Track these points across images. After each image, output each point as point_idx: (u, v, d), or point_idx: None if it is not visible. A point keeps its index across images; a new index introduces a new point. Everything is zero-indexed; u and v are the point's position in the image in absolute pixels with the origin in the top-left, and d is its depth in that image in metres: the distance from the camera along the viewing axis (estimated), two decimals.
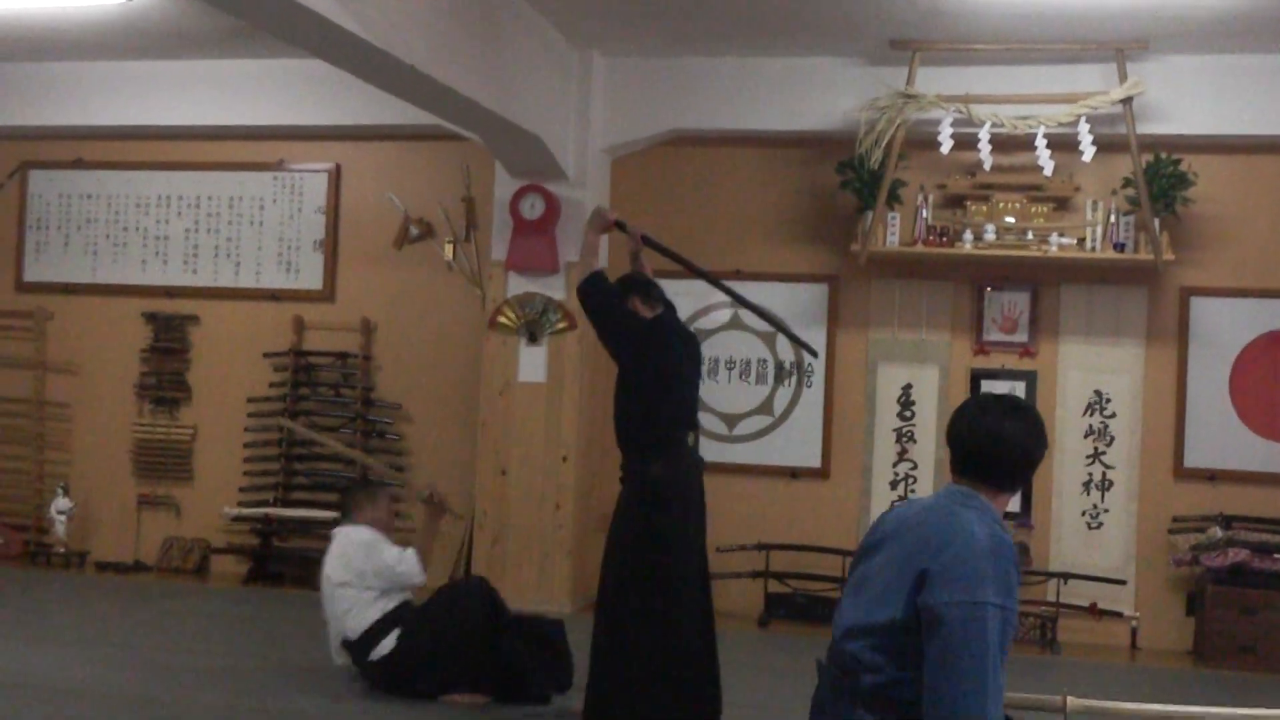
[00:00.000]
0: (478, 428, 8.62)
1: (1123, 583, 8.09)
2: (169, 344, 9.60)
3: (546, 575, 8.44)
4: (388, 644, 5.93)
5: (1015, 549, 3.09)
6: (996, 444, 3.19)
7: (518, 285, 8.56)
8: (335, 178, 9.39)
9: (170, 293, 9.61)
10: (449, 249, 8.99)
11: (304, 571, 8.68)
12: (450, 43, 6.71)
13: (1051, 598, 8.02)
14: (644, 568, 5.28)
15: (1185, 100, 7.88)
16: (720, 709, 5.43)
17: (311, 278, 9.40)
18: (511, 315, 8.54)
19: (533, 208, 8.39)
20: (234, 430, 9.37)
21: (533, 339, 8.51)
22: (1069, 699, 3.11)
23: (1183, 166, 7.82)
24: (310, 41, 6.03)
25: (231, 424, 9.39)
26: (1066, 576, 8.02)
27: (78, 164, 9.80)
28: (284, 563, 9.14)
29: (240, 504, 9.15)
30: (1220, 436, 8.17)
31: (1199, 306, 8.22)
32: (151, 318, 9.63)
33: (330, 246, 9.38)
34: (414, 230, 9.12)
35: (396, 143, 9.26)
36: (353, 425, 9.13)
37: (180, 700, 5.76)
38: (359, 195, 9.36)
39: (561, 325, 8.47)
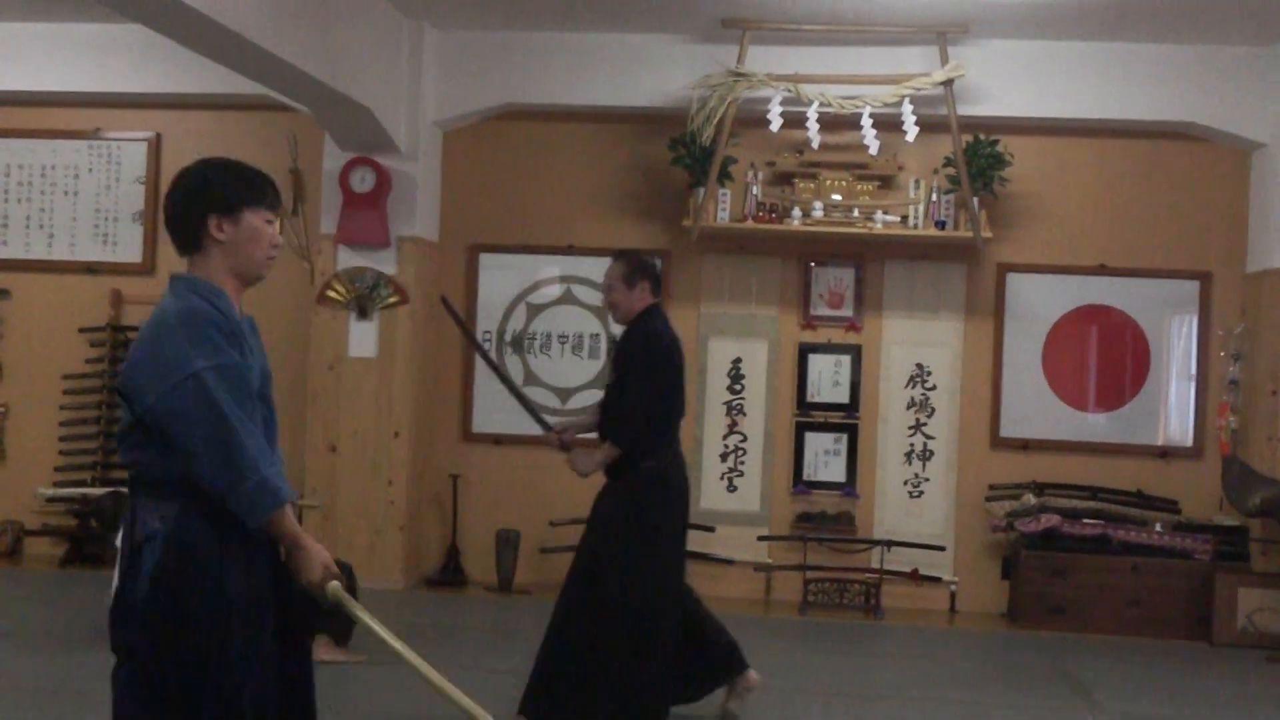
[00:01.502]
0: (306, 403, 8.48)
1: (942, 549, 8.38)
2: None
3: (378, 551, 8.35)
4: None
5: (216, 312, 3.03)
6: (167, 206, 3.23)
7: (348, 259, 8.44)
8: (155, 147, 9.09)
9: None
10: None
11: None
12: (278, 11, 6.54)
13: (875, 564, 8.27)
14: (652, 562, 5.22)
15: (1003, 83, 8.17)
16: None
17: (130, 250, 9.09)
18: (341, 289, 8.41)
19: (363, 180, 8.27)
20: (49, 408, 9.02)
21: (363, 313, 8.40)
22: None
23: (1000, 147, 8.10)
24: (128, 6, 5.81)
25: (46, 402, 9.03)
26: (889, 544, 8.26)
27: None
28: (103, 544, 8.84)
29: (56, 484, 8.83)
30: (1033, 407, 8.52)
31: (1015, 282, 8.54)
32: None
33: (150, 218, 9.07)
34: None
35: (220, 112, 9.00)
36: None
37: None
38: (181, 165, 8.98)
39: (393, 299, 8.38)
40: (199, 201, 3.13)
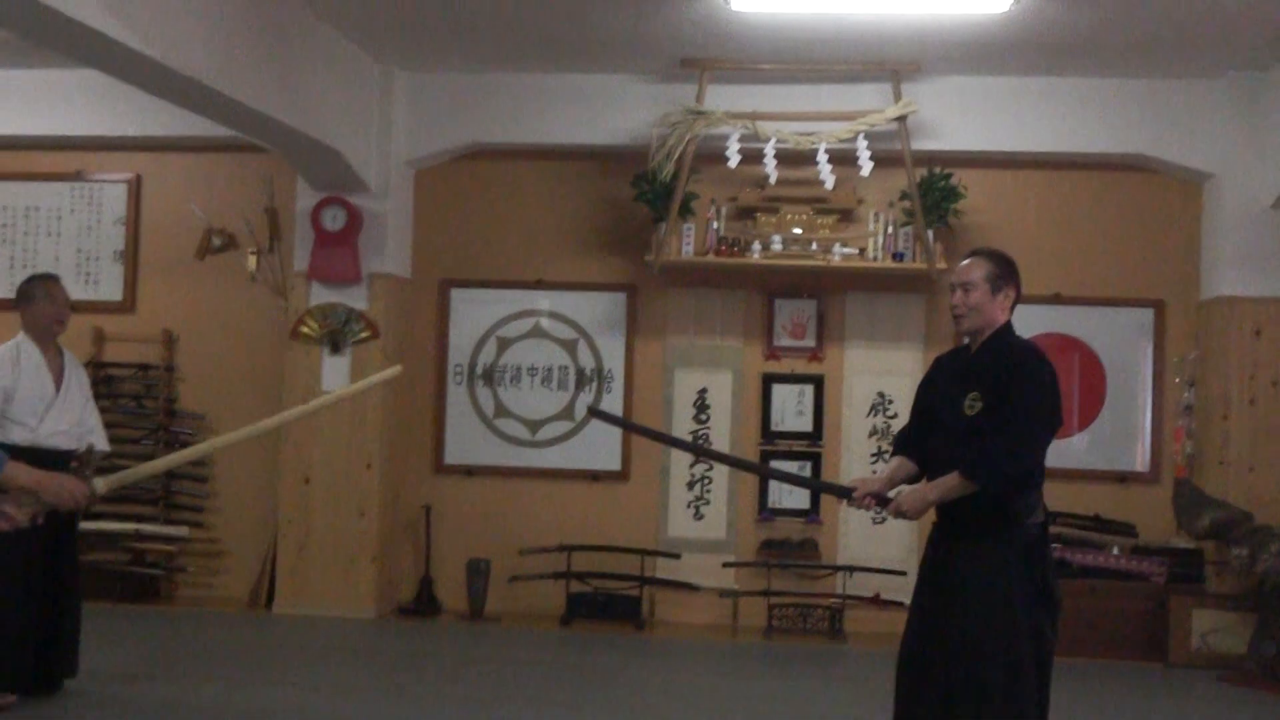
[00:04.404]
0: (281, 436, 8.67)
1: (904, 574, 8.49)
2: None
3: (351, 582, 8.54)
4: None
5: None
6: None
7: (320, 295, 8.65)
8: (135, 188, 9.33)
9: None
10: (252, 260, 9.01)
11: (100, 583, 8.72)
12: (240, 58, 6.77)
13: (838, 589, 8.42)
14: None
15: (956, 118, 8.37)
16: None
17: (111, 289, 9.32)
18: (314, 325, 8.61)
19: (334, 219, 8.50)
20: None
21: (335, 349, 8.60)
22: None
23: (953, 180, 8.28)
24: (88, 56, 6.02)
25: None
26: (852, 569, 8.43)
27: None
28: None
29: None
30: None
31: None
32: None
33: (130, 257, 9.30)
34: (216, 241, 9.12)
35: (198, 154, 9.23)
36: (155, 437, 9.07)
37: None
38: (160, 206, 9.31)
39: (364, 334, 8.58)
40: None
